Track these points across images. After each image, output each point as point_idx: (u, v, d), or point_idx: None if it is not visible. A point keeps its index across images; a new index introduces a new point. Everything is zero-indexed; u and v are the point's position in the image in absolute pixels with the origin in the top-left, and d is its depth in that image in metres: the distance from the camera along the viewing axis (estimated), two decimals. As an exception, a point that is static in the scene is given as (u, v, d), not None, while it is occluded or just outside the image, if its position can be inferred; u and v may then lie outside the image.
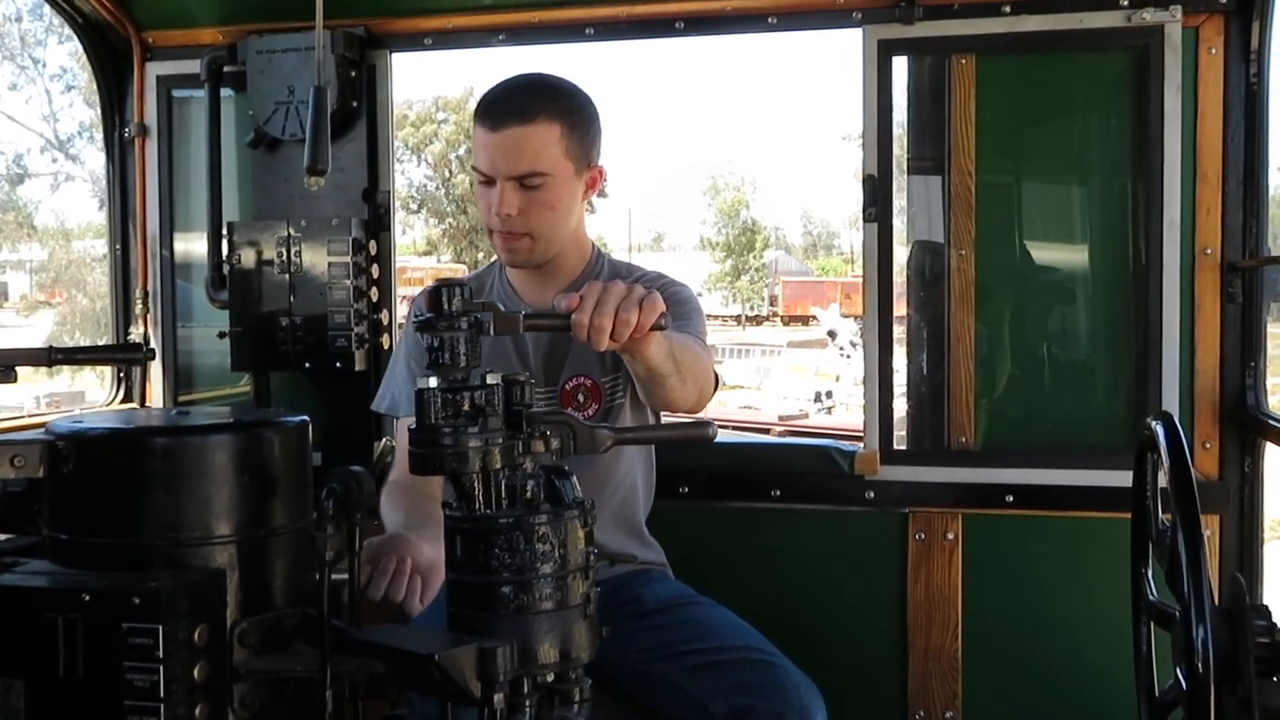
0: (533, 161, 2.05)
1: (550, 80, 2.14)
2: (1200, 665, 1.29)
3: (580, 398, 2.22)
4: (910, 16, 2.61)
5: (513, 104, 2.07)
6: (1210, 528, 2.50)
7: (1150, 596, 1.72)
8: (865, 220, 2.71)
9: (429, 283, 2.13)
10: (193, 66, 2.97)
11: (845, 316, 26.95)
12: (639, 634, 2.10)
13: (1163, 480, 1.51)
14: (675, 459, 2.71)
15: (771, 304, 47.63)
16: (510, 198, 2.07)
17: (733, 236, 52.20)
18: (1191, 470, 1.42)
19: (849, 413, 17.95)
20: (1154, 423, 1.55)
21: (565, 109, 2.09)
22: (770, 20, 2.75)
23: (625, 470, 2.28)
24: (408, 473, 1.25)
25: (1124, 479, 1.77)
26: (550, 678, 1.17)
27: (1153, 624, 1.70)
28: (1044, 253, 2.70)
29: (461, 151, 41.85)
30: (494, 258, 2.33)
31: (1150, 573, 1.73)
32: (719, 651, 2.03)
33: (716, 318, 45.43)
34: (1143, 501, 1.70)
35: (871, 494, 2.70)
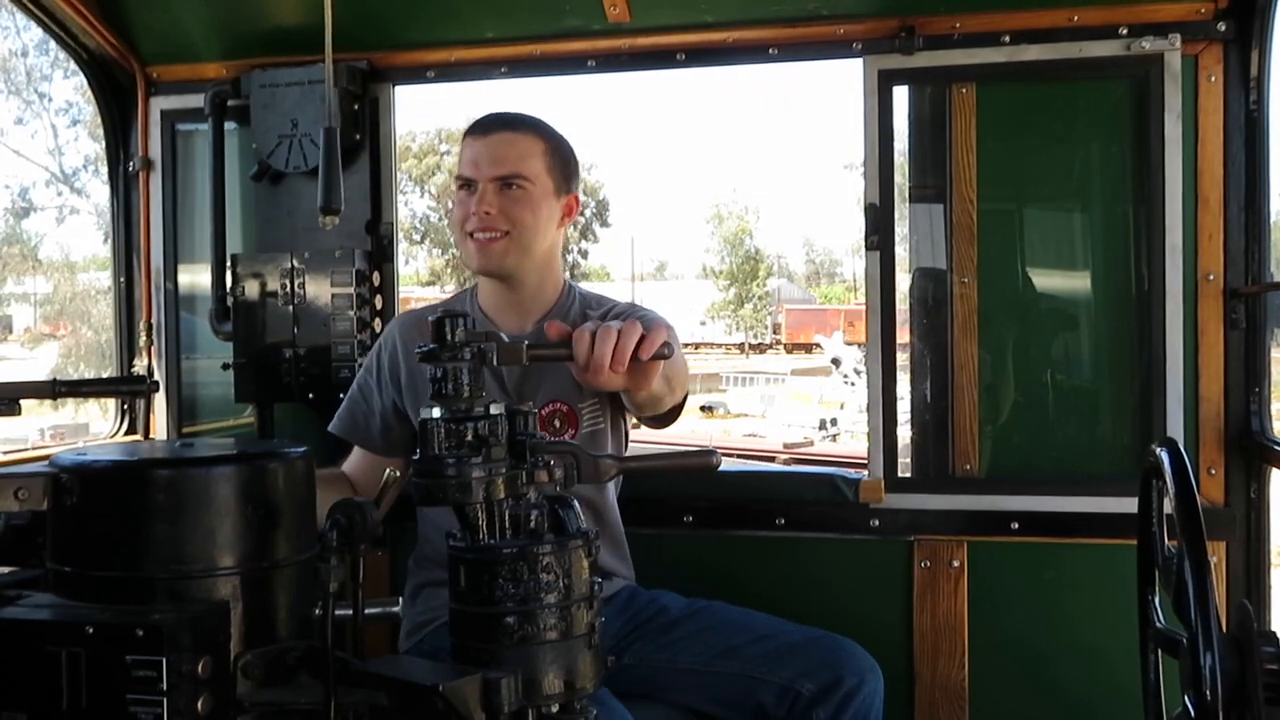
0: (517, 164, 2.20)
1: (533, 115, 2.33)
2: (1209, 693, 1.29)
3: (556, 423, 2.25)
4: (910, 46, 2.63)
5: (502, 118, 2.27)
6: (1216, 554, 2.49)
7: (1157, 624, 1.71)
8: (867, 248, 2.71)
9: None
10: (197, 100, 2.99)
11: (849, 344, 26.94)
12: (680, 641, 2.19)
13: (1168, 507, 1.50)
14: (680, 487, 2.72)
15: (775, 332, 47.66)
16: (491, 198, 2.19)
17: (736, 265, 52.32)
18: (1197, 497, 1.42)
19: (854, 440, 17.92)
20: (1159, 449, 1.55)
21: (548, 134, 2.27)
22: (771, 51, 2.76)
23: (609, 492, 2.35)
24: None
25: (1129, 506, 1.77)
26: (555, 708, 1.17)
27: (1160, 651, 1.69)
28: (1046, 280, 2.70)
29: (465, 182, 41.97)
30: (466, 285, 2.38)
31: (1157, 600, 1.72)
32: (778, 637, 2.17)
33: (720, 346, 45.47)
34: (1148, 528, 1.70)
35: (876, 522, 2.69)
